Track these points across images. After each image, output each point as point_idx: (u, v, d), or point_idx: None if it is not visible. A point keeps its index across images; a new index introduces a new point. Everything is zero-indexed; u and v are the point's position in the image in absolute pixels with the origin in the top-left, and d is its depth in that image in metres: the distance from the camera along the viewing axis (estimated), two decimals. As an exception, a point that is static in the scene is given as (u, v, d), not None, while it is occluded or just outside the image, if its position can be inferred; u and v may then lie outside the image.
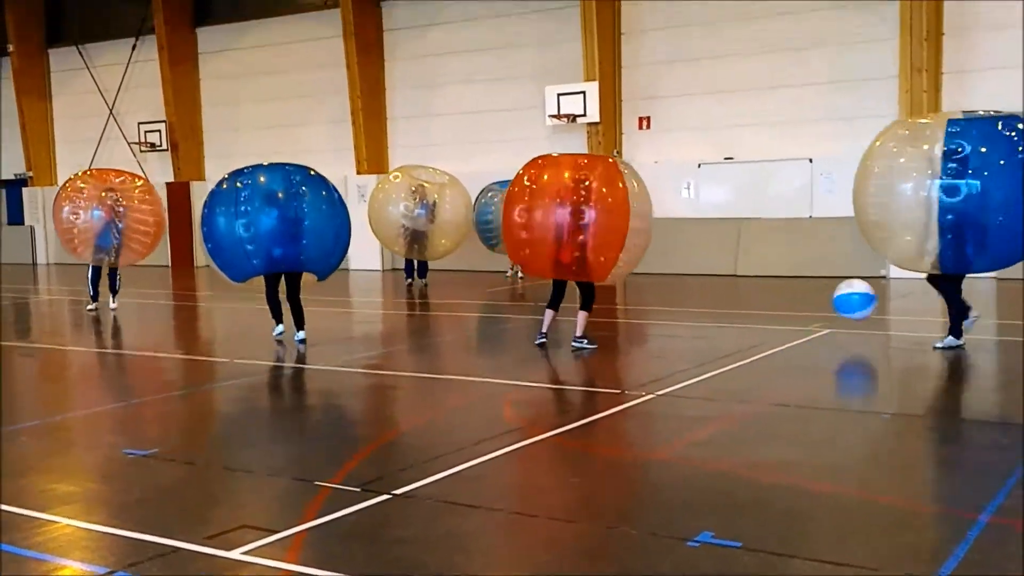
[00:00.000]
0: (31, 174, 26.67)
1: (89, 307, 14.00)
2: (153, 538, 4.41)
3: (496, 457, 5.75)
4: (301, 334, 10.36)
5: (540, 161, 9.74)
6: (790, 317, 11.60)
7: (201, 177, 23.84)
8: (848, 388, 8.19)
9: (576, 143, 18.60)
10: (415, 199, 16.60)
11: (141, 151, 24.48)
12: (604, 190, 9.18)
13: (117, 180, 14.09)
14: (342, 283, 18.86)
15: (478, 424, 6.85)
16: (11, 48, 25.75)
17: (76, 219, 13.61)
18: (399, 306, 14.86)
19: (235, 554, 4.20)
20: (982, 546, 4.14)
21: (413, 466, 5.62)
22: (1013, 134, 8.43)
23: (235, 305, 14.41)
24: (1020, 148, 8.34)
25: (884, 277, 15.97)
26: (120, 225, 13.65)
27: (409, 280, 17.43)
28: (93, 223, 13.59)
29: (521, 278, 17.64)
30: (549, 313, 9.81)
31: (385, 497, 5.00)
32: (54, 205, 14.08)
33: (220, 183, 10.55)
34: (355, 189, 20.38)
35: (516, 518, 4.72)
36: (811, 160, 17.19)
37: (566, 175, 9.32)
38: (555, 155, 9.98)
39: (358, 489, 5.11)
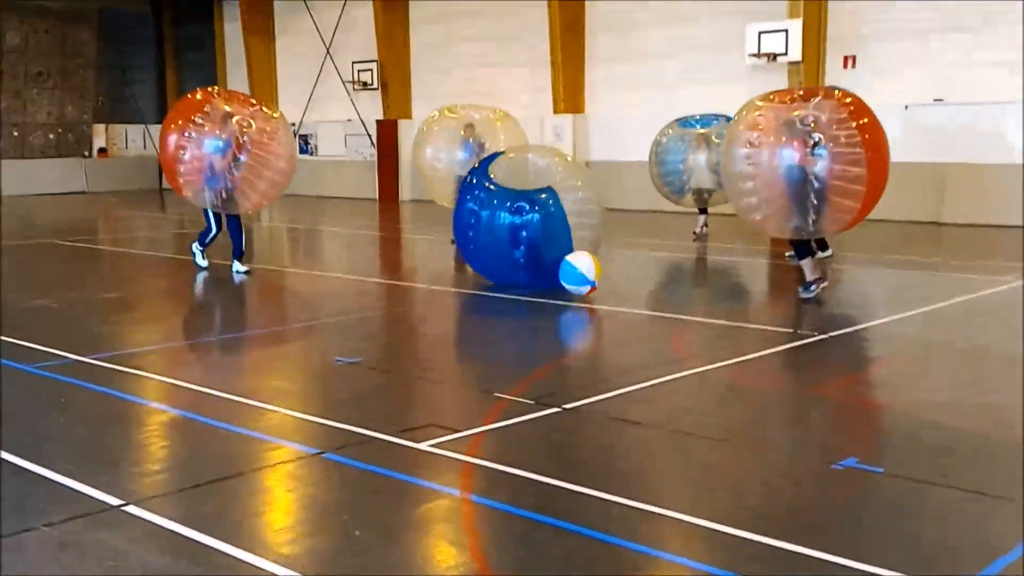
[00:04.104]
0: (256, 111, 28.73)
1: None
2: (356, 429, 5.16)
3: (661, 383, 6.18)
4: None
5: (759, 101, 9.03)
6: (987, 267, 11.25)
7: (408, 115, 25.00)
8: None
9: (776, 82, 18.27)
10: (463, 140, 13.79)
11: (354, 89, 25.90)
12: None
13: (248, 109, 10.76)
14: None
15: (646, 353, 7.28)
16: (241, -9, 27.65)
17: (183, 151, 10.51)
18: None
19: (423, 446, 4.87)
20: None
21: (584, 385, 6.14)
22: None
23: (433, 238, 15.32)
24: None
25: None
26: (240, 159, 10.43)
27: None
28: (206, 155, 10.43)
29: (706, 235, 14.70)
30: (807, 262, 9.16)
31: (556, 410, 5.54)
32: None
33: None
34: (551, 129, 20.97)
35: (673, 434, 5.15)
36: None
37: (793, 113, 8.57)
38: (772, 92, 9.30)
39: (533, 402, 5.68)
